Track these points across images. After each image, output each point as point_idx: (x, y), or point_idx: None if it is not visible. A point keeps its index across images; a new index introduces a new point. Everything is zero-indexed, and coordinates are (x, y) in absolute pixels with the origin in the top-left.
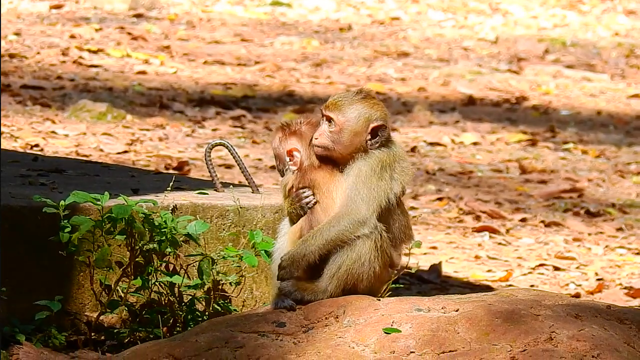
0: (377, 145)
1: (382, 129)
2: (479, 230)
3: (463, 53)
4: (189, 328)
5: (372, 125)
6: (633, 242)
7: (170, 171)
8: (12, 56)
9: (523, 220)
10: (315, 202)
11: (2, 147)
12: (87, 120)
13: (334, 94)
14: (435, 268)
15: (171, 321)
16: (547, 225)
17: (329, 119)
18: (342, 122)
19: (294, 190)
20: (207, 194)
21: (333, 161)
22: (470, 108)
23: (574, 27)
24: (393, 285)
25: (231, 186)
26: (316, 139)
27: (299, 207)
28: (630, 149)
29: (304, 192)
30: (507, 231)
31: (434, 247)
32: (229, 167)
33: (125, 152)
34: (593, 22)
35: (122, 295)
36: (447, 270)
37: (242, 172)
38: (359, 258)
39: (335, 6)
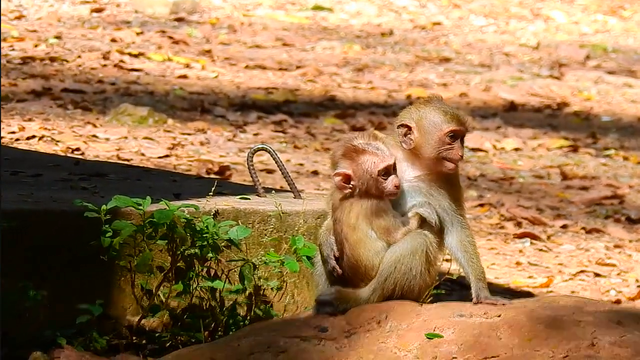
0: None
1: None
2: (520, 236)
3: (504, 59)
4: (231, 333)
5: None
6: None
7: (212, 176)
8: (52, 59)
9: (564, 226)
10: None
11: (43, 150)
12: (128, 124)
13: (446, 107)
14: None
15: (212, 326)
16: (588, 231)
17: (465, 134)
18: None
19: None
20: (249, 199)
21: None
22: (511, 114)
23: (615, 33)
24: (434, 291)
25: (273, 191)
26: (462, 156)
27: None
28: None
29: (330, 260)
30: (548, 237)
31: None
32: (270, 172)
33: (167, 156)
34: (634, 28)
35: (164, 299)
36: (488, 276)
37: (284, 177)
38: (409, 270)
39: (377, 11)
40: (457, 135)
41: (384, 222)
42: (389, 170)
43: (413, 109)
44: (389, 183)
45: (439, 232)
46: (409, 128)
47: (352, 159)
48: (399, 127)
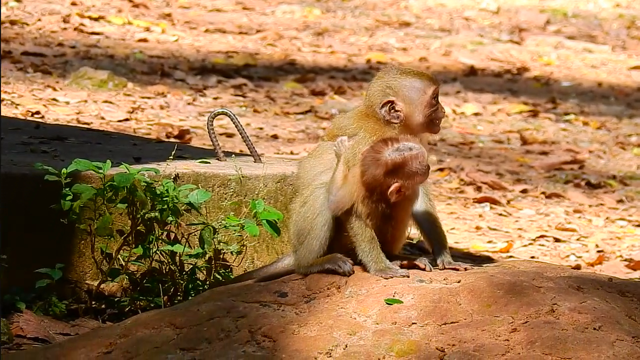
0: None
1: None
2: (480, 201)
3: (464, 23)
4: (190, 297)
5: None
6: (633, 214)
7: (172, 140)
8: (13, 23)
9: (524, 191)
10: None
11: (3, 114)
12: (88, 88)
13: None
14: None
15: (172, 290)
16: (548, 196)
17: None
18: None
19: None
20: (209, 162)
21: None
22: (471, 78)
23: None
24: None
25: (233, 155)
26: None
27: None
28: (631, 121)
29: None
30: (508, 202)
31: None
32: (230, 136)
33: (127, 120)
34: None
35: (123, 263)
36: (448, 241)
37: (244, 141)
38: None
39: None
40: (437, 94)
41: None
42: None
43: (384, 84)
44: (427, 174)
45: None
46: (392, 103)
47: (399, 169)
48: (382, 106)
